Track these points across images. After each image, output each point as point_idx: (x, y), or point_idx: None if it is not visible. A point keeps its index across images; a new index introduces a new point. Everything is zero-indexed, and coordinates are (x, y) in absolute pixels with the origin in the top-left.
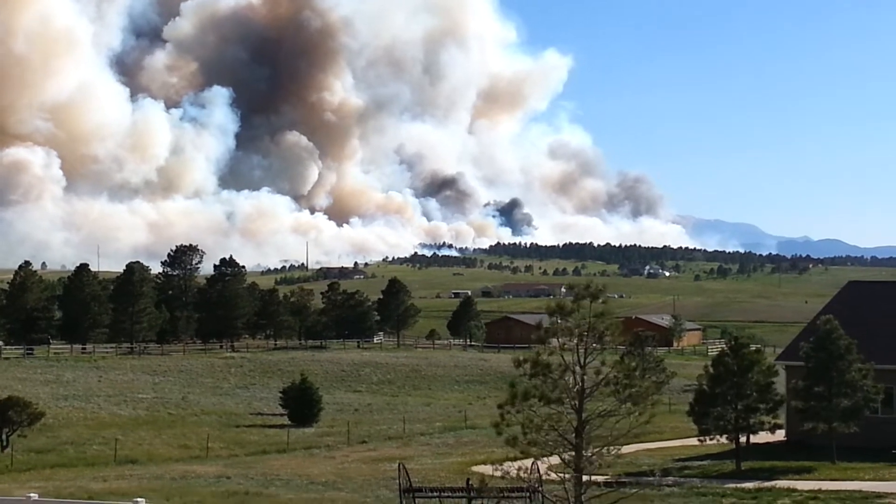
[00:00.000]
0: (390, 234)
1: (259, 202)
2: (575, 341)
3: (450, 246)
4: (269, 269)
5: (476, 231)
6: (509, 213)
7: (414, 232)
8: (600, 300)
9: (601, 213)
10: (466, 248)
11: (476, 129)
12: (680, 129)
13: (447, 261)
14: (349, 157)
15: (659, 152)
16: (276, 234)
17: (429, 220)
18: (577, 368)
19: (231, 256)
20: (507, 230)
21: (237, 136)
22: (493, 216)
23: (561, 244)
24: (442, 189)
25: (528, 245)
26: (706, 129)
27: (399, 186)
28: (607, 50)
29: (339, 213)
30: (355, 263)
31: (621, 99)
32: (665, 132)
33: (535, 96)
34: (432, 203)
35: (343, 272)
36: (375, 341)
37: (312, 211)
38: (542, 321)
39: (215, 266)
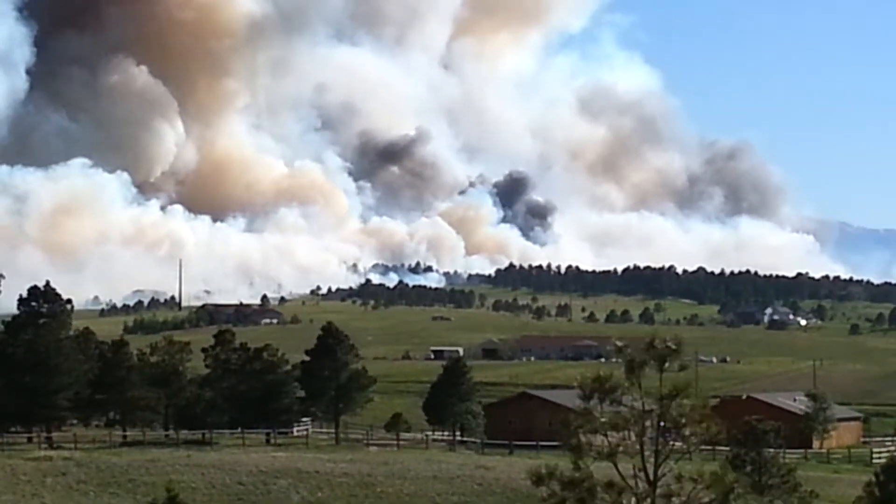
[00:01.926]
0: (312, 243)
1: (74, 188)
2: (634, 439)
3: (427, 269)
4: (112, 307)
5: (469, 242)
6: (509, 198)
7: (355, 239)
8: (676, 366)
9: (675, 212)
10: (456, 272)
11: (454, 60)
12: (819, 74)
13: (422, 295)
14: (228, 108)
15: (778, 112)
16: (114, 245)
17: (374, 213)
18: (641, 485)
19: (48, 283)
20: (518, 236)
21: (30, 73)
22: (497, 209)
23: (619, 269)
24: (389, 162)
25: (559, 269)
26: (865, 75)
27: (319, 157)
28: None
29: (216, 206)
30: (263, 298)
31: (717, 14)
32: (791, 79)
33: (565, 3)
34: (381, 185)
35: (242, 313)
36: (298, 433)
37: (167, 203)
38: (579, 405)
39: (21, 300)
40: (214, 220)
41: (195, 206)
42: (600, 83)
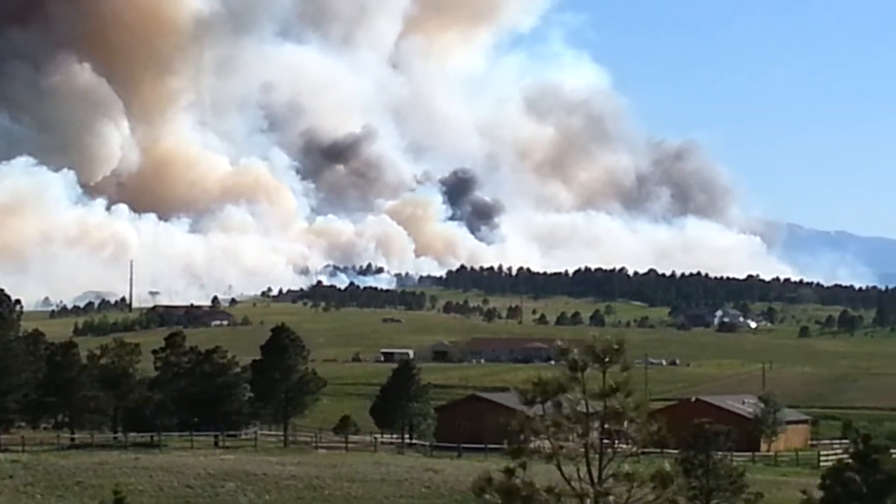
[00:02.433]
0: (260, 242)
1: (17, 187)
2: (577, 440)
3: (378, 270)
4: (63, 308)
5: (418, 240)
6: (456, 195)
7: (303, 238)
8: (619, 366)
9: (622, 212)
10: (407, 273)
11: (403, 59)
12: (769, 75)
13: (373, 297)
14: (173, 107)
15: (729, 112)
16: (59, 245)
17: (320, 212)
18: (585, 488)
19: None
20: (467, 235)
21: None
22: (445, 207)
23: (570, 271)
24: (335, 160)
25: (510, 271)
26: (817, 77)
27: (265, 156)
28: None
29: (161, 205)
30: (214, 300)
31: (668, 14)
32: (742, 79)
33: (515, 2)
34: (327, 184)
35: (193, 315)
36: (247, 436)
37: (111, 203)
38: (525, 409)
39: None
40: (160, 220)
41: (140, 205)
42: (549, 82)
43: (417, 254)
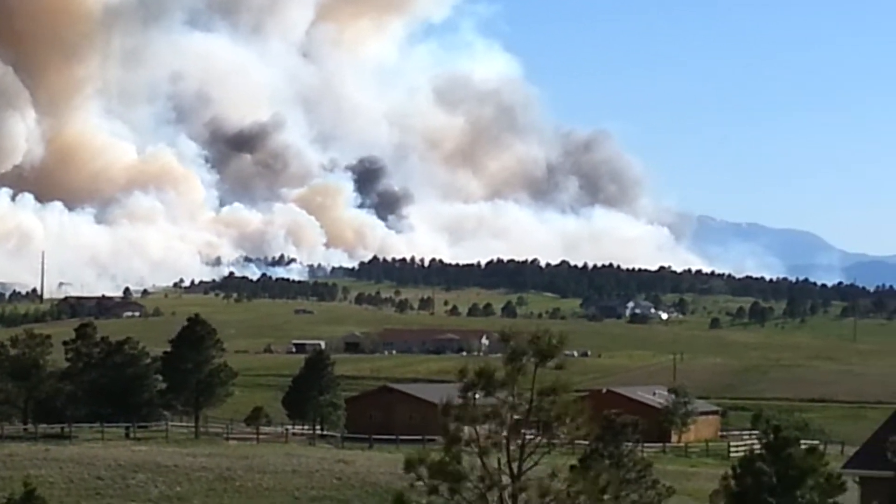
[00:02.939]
0: (168, 231)
1: None
2: (504, 433)
3: (291, 261)
4: None
5: (328, 229)
6: (365, 184)
7: (212, 228)
8: (554, 362)
9: (531, 202)
10: (319, 265)
11: (314, 48)
12: (685, 66)
13: (285, 288)
14: (79, 95)
15: (642, 103)
16: None
17: (224, 201)
18: (505, 479)
19: None
20: (377, 222)
21: None
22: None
23: (483, 262)
24: (243, 149)
25: (422, 263)
26: (731, 72)
27: (173, 145)
28: None
29: (67, 195)
30: (126, 291)
31: (581, 4)
32: (656, 70)
33: None
34: (234, 173)
35: (104, 306)
36: (158, 427)
37: (16, 192)
38: (450, 397)
39: None
40: (66, 210)
41: (45, 195)
42: (460, 72)
43: (328, 244)
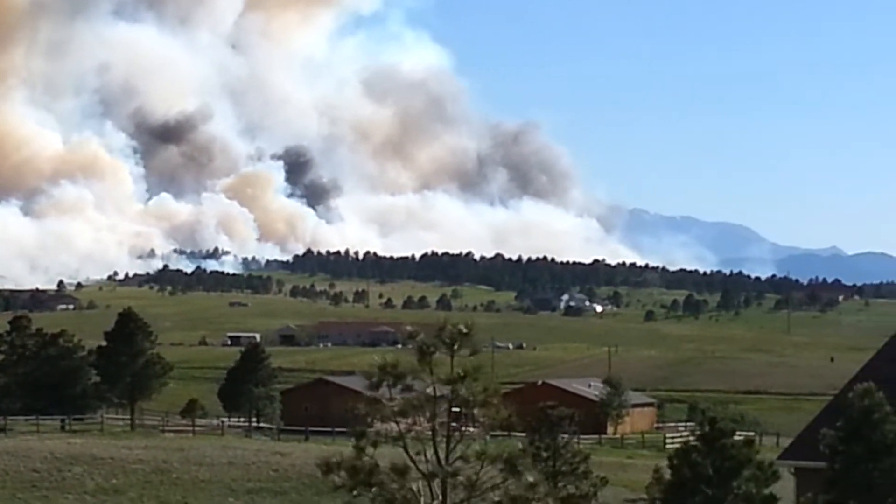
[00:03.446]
0: (98, 223)
1: None
2: (426, 424)
3: (224, 253)
4: None
5: (260, 220)
6: (293, 175)
7: (142, 219)
8: (468, 351)
9: (459, 194)
10: (254, 258)
11: (242, 39)
12: (615, 56)
13: (220, 281)
14: (3, 86)
15: (575, 95)
16: None
17: (151, 192)
18: (432, 468)
19: None
20: (306, 211)
21: None
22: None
23: (417, 255)
24: (170, 140)
25: (357, 255)
26: (666, 65)
27: (99, 135)
28: None
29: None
30: (60, 284)
31: None
32: (586, 60)
33: None
34: (162, 164)
35: (38, 299)
36: (92, 420)
37: None
38: (369, 391)
39: None
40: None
41: None
42: (388, 64)
43: (260, 236)
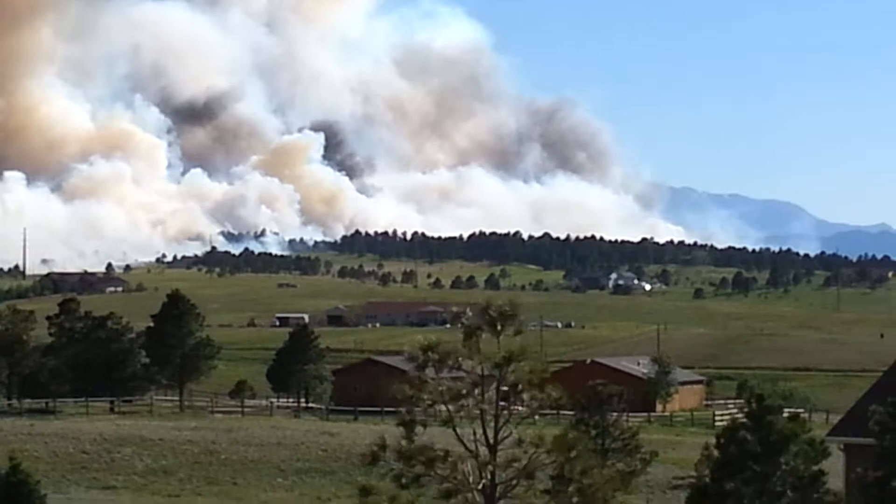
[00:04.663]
0: (141, 205)
1: None
2: (473, 405)
3: (271, 233)
4: None
5: (303, 204)
6: (327, 155)
7: (183, 199)
8: (513, 331)
9: (499, 172)
10: (302, 239)
11: (275, 18)
12: (661, 35)
13: (268, 262)
14: (35, 67)
15: (616, 72)
16: None
17: (187, 171)
18: (483, 451)
19: None
20: (349, 186)
21: None
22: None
23: (465, 235)
24: (204, 120)
25: (405, 236)
26: (712, 37)
27: (134, 116)
28: None
29: (26, 165)
30: (108, 266)
31: None
32: (634, 35)
33: None
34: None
35: (87, 282)
36: (142, 402)
37: None
38: (416, 371)
39: None
40: (28, 183)
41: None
42: (423, 40)
43: (300, 208)
